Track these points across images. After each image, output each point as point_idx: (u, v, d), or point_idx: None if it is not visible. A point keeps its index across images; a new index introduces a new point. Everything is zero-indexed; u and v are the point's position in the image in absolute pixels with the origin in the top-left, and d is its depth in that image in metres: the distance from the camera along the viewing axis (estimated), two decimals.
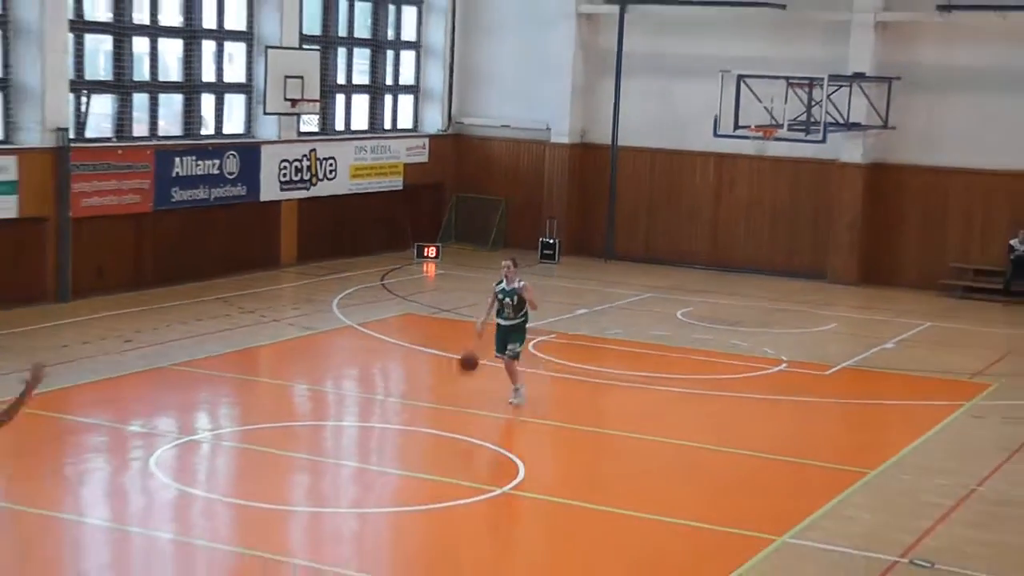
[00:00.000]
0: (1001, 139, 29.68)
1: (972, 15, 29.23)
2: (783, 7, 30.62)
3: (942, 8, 29.25)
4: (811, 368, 22.42)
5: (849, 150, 30.76)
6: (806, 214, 31.78)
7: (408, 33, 34.75)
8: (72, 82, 25.16)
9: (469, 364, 18.42)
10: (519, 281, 18.68)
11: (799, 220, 31.88)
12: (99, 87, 26.30)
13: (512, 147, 34.51)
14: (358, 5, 32.98)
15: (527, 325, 19.02)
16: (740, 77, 28.07)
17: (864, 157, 30.80)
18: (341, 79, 32.62)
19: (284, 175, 29.94)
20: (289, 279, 29.03)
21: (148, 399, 19.21)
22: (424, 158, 34.26)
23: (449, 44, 34.86)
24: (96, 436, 17.20)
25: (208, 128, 29.06)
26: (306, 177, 30.61)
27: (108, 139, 26.50)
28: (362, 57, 33.44)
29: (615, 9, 32.64)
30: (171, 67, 28.21)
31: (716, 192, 32.64)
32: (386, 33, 33.97)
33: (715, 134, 28.96)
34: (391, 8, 34.03)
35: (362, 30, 33.27)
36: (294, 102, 29.08)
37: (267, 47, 28.89)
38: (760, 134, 28.57)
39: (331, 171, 31.32)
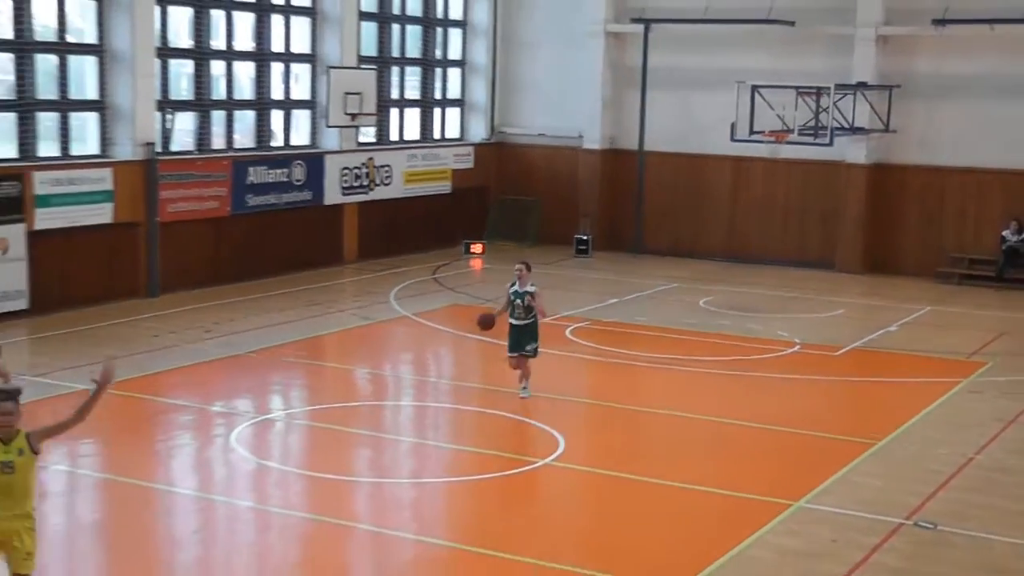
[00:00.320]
0: (992, 140, 29.46)
1: (965, 28, 29.01)
2: (792, 24, 30.49)
3: (937, 22, 29.07)
4: (822, 349, 22.33)
5: (854, 152, 30.61)
6: (815, 210, 31.64)
7: (454, 52, 34.77)
8: (158, 102, 25.28)
9: (486, 323, 18.22)
10: (531, 285, 18.04)
11: (809, 216, 31.76)
12: (182, 106, 26.41)
13: (548, 153, 34.47)
14: (409, 28, 33.03)
15: (538, 325, 18.27)
16: (754, 87, 28.02)
17: (867, 158, 30.65)
18: (395, 94, 32.67)
19: (345, 181, 30.02)
20: (350, 274, 29.10)
21: (228, 383, 19.32)
22: (470, 164, 34.28)
23: (491, 61, 34.87)
24: (183, 416, 17.31)
25: (278, 140, 29.16)
26: (365, 183, 30.68)
27: (190, 152, 26.62)
28: (413, 74, 33.48)
29: (640, 28, 32.59)
30: (244, 87, 28.31)
31: (733, 191, 32.55)
32: (435, 52, 34.00)
33: (732, 139, 28.92)
34: (439, 30, 34.07)
35: (413, 50, 33.32)
36: (353, 116, 29.15)
37: (329, 67, 28.97)
38: (773, 139, 28.50)
39: (387, 177, 31.38)
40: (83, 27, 24.65)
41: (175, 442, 16.39)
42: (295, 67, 29.48)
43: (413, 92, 33.50)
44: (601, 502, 14.58)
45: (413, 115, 33.52)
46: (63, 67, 24.09)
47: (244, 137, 28.36)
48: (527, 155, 34.77)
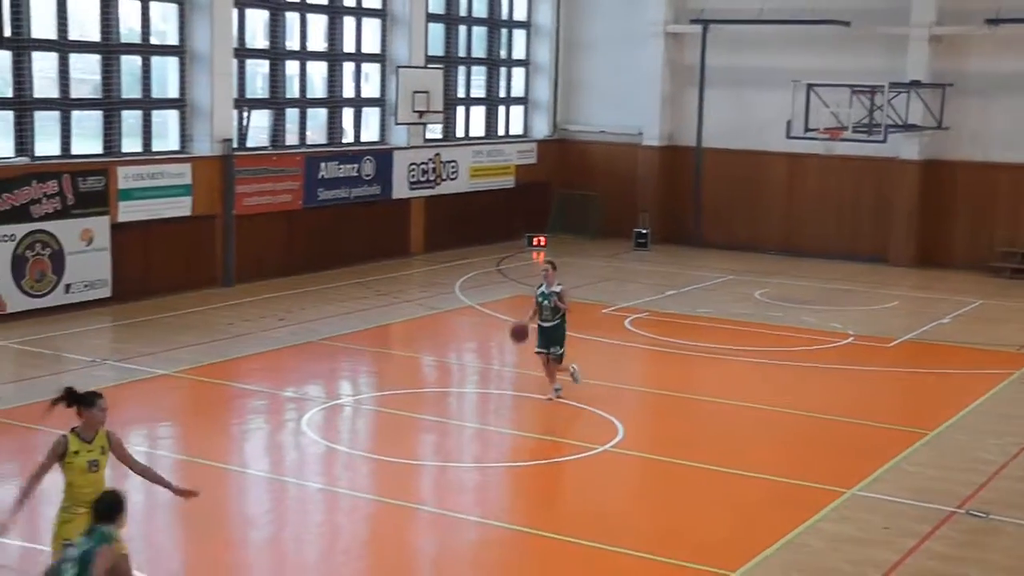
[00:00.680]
0: None
1: (1018, 27, 28.55)
2: (847, 24, 30.14)
3: (990, 22, 28.65)
4: (875, 341, 22.04)
5: (907, 148, 30.22)
6: (869, 205, 31.29)
7: (518, 52, 34.68)
8: (235, 100, 25.40)
9: (519, 335, 17.23)
10: (558, 285, 17.43)
11: (862, 210, 31.41)
12: (258, 104, 26.52)
13: (608, 149, 34.31)
14: (475, 29, 32.99)
15: (565, 327, 17.38)
16: (809, 86, 27.70)
17: (920, 154, 30.27)
18: (461, 93, 32.64)
19: (413, 176, 30.02)
20: (417, 266, 29.12)
21: (299, 369, 19.37)
22: (533, 160, 34.19)
23: (554, 61, 34.75)
24: (256, 400, 17.36)
25: (348, 137, 29.21)
26: (432, 178, 30.67)
27: (265, 148, 26.74)
28: (479, 73, 33.43)
29: (698, 28, 32.37)
30: (317, 85, 28.39)
31: (789, 187, 32.24)
32: (500, 52, 33.93)
33: (787, 136, 28.64)
34: (504, 31, 34.00)
35: (479, 50, 33.27)
36: (421, 113, 29.13)
37: (398, 67, 28.97)
38: (828, 136, 28.18)
39: (453, 172, 31.35)
40: (165, 29, 24.80)
41: (249, 426, 16.44)
42: (366, 66, 29.51)
43: (479, 90, 33.45)
44: (658, 488, 14.47)
45: (478, 113, 33.49)
46: (146, 67, 24.25)
47: (316, 134, 28.44)
48: (588, 151, 34.64)
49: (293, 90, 27.61)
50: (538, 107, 35.05)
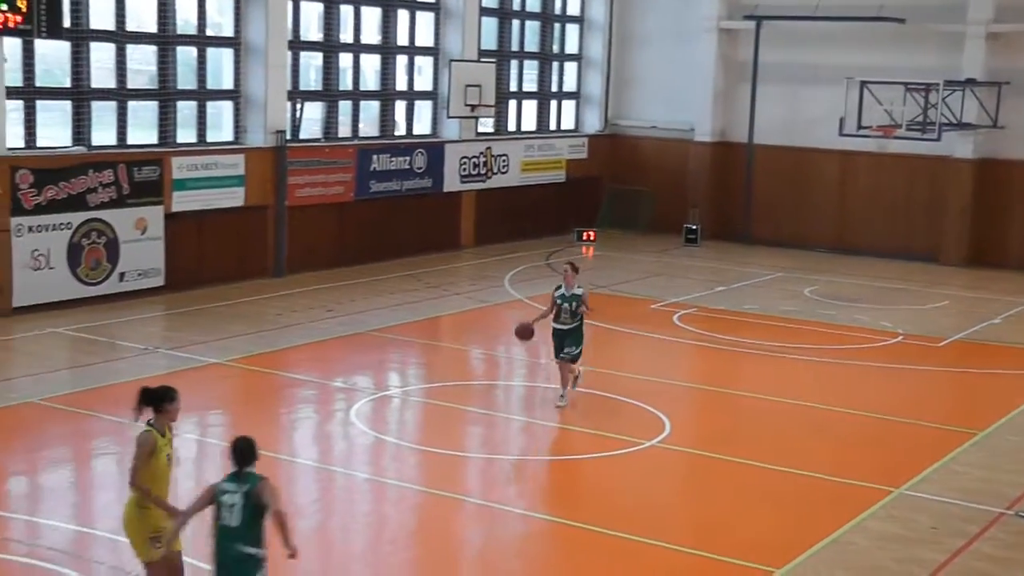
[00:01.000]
0: None
1: None
2: (903, 21, 29.87)
3: None
4: (925, 340, 21.86)
5: (961, 147, 29.92)
6: (921, 203, 31.02)
7: (571, 47, 34.63)
8: (289, 92, 25.54)
9: (524, 333, 16.54)
10: (578, 287, 16.55)
11: (914, 209, 31.14)
12: (311, 96, 26.66)
13: (660, 145, 34.21)
14: (528, 23, 32.98)
15: (583, 330, 16.76)
16: (863, 83, 27.45)
17: (974, 153, 29.97)
18: (513, 87, 32.65)
19: (464, 169, 30.07)
20: (467, 259, 29.17)
21: (348, 360, 19.46)
22: (584, 155, 34.15)
23: (606, 56, 34.68)
24: (306, 390, 17.46)
25: (400, 130, 29.30)
26: (483, 171, 30.70)
27: (317, 140, 26.86)
28: (531, 68, 33.42)
29: (752, 24, 32.21)
30: (370, 78, 28.49)
31: (840, 184, 32.02)
32: (552, 47, 33.90)
33: (840, 133, 28.39)
34: (557, 26, 33.97)
35: (532, 45, 33.26)
36: (473, 107, 29.17)
37: (451, 60, 29.02)
38: (881, 133, 27.93)
39: (504, 166, 31.37)
40: (221, 21, 24.97)
41: (298, 415, 16.54)
42: (418, 60, 29.59)
43: (531, 85, 33.44)
44: (704, 484, 14.43)
45: (530, 107, 33.48)
46: (202, 59, 24.42)
47: (369, 126, 28.54)
48: (639, 146, 34.55)
49: (346, 82, 27.73)
50: (590, 102, 34.99)
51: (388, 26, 28.42)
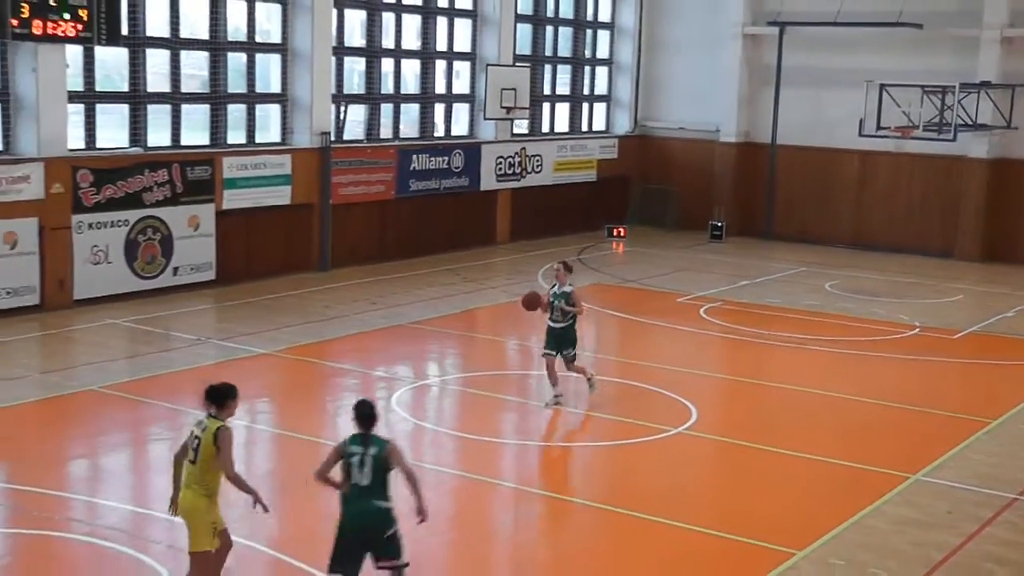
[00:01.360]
0: None
1: None
2: (920, 26, 29.64)
3: None
4: (941, 332, 21.72)
5: (976, 147, 29.69)
6: (937, 201, 30.80)
7: (602, 52, 34.56)
8: (333, 95, 25.59)
9: (530, 302, 15.97)
10: (569, 285, 16.04)
11: (931, 207, 30.92)
12: (354, 99, 26.71)
13: (687, 145, 34.10)
14: (561, 30, 32.92)
15: (575, 329, 16.24)
16: (882, 86, 27.29)
17: (989, 153, 29.74)
18: (547, 90, 32.61)
19: (500, 169, 30.06)
20: (502, 254, 29.16)
21: (389, 350, 19.50)
22: (614, 155, 34.07)
23: (635, 60, 34.58)
24: (349, 379, 17.52)
25: (439, 131, 29.32)
26: (517, 171, 30.68)
27: (360, 141, 26.91)
28: (564, 72, 33.36)
29: (775, 30, 32.06)
30: (410, 82, 28.52)
31: (860, 183, 31.82)
32: (584, 52, 33.84)
33: (860, 134, 28.26)
34: (588, 32, 33.90)
35: (564, 50, 33.20)
36: (508, 109, 29.16)
37: (487, 65, 29.01)
38: (899, 134, 27.76)
39: (538, 166, 31.34)
40: (269, 28, 25.04)
41: (341, 403, 16.55)
42: (456, 64, 29.59)
43: (563, 88, 33.39)
44: (729, 469, 14.39)
45: (563, 109, 33.44)
46: (251, 64, 24.51)
47: (409, 128, 28.57)
48: (667, 147, 34.45)
49: (388, 86, 27.76)
50: (620, 104, 34.91)
51: (427, 32, 28.44)
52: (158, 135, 22.81)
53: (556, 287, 16.07)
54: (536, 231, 30.94)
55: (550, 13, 32.32)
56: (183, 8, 22.97)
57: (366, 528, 9.26)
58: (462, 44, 29.50)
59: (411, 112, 28.62)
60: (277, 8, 24.81)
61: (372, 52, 27.13)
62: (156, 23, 22.55)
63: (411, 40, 28.32)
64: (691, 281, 26.01)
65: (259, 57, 24.76)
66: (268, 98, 24.97)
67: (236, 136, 24.29)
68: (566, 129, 33.46)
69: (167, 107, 22.97)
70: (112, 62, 22.20)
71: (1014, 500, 12.95)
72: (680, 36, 34.02)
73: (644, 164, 34.57)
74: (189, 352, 18.30)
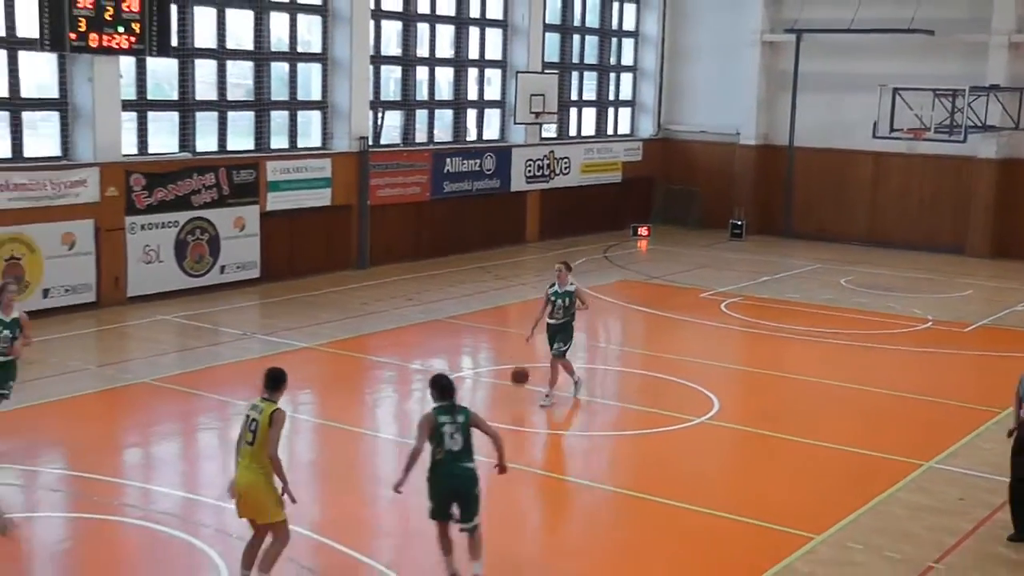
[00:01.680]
0: None
1: None
2: (932, 32, 29.44)
3: None
4: (953, 326, 21.56)
5: (985, 148, 29.45)
6: (948, 200, 30.58)
7: (627, 59, 34.46)
8: (371, 102, 25.63)
9: (520, 378, 15.14)
10: (571, 284, 15.78)
11: (942, 205, 30.69)
12: (390, 105, 26.74)
13: (708, 148, 33.98)
14: (588, 38, 32.85)
15: (573, 326, 15.95)
16: (895, 90, 27.13)
17: (998, 153, 29.49)
18: (574, 96, 32.55)
19: (529, 171, 30.04)
20: (532, 252, 29.13)
21: (425, 344, 19.51)
22: (638, 157, 33.98)
23: (659, 67, 34.48)
24: (387, 372, 17.55)
25: (472, 135, 29.32)
26: (546, 172, 30.65)
27: (397, 145, 26.94)
28: (591, 78, 33.30)
29: (792, 37, 31.89)
30: (444, 89, 28.52)
31: (874, 183, 31.63)
32: (609, 59, 33.76)
33: (873, 136, 28.07)
34: (614, 40, 33.81)
35: (591, 57, 33.13)
36: (537, 114, 29.12)
37: (517, 72, 28.98)
38: (911, 136, 27.58)
39: (566, 168, 31.30)
40: (310, 39, 25.09)
41: (379, 394, 16.63)
42: (488, 72, 29.58)
43: (590, 94, 33.32)
44: (750, 457, 14.33)
45: (589, 114, 33.37)
46: (293, 73, 24.58)
47: (443, 132, 28.58)
48: (689, 149, 34.34)
49: (422, 93, 27.78)
50: (644, 109, 34.82)
51: (460, 41, 28.45)
52: (206, 141, 22.91)
53: (556, 286, 15.75)
54: (564, 230, 30.91)
55: (577, 22, 32.26)
56: (229, 21, 23.06)
57: (459, 488, 9.86)
58: (493, 52, 29.48)
59: (445, 117, 28.63)
60: (318, 20, 24.87)
61: (408, 61, 27.15)
62: (204, 35, 22.64)
63: (445, 49, 28.32)
64: (713, 277, 25.92)
65: (301, 66, 24.82)
66: (309, 105, 25.03)
67: (279, 141, 24.36)
68: (593, 133, 33.40)
69: (214, 114, 23.06)
70: (163, 72, 22.30)
71: None
72: (701, 43, 33.89)
73: (667, 166, 34.47)
74: (235, 346, 18.38)
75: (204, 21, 22.60)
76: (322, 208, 24.64)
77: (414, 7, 26.93)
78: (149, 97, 21.92)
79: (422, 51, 27.55)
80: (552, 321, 15.82)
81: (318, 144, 25.16)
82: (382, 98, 26.48)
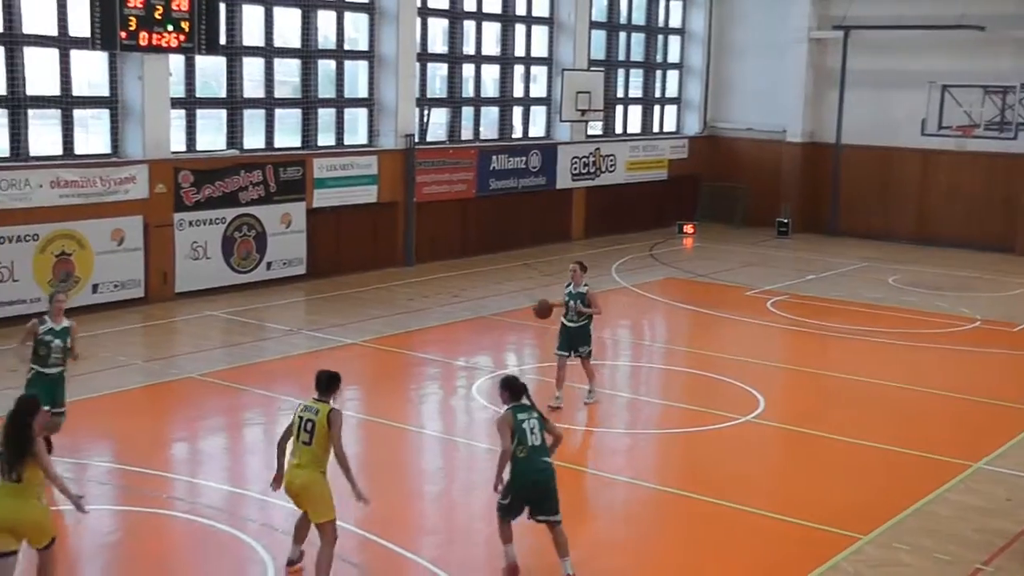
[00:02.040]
0: None
1: None
2: (982, 28, 29.07)
3: None
4: (1001, 325, 21.28)
5: None
6: (998, 198, 30.18)
7: (673, 56, 34.31)
8: (417, 99, 25.68)
9: (542, 310, 15.19)
10: (584, 285, 15.36)
11: (992, 203, 30.30)
12: (436, 103, 26.79)
13: (754, 145, 33.78)
14: (634, 35, 32.74)
15: (591, 328, 15.53)
16: (944, 86, 26.88)
17: None
18: (620, 93, 32.45)
19: (575, 168, 29.98)
20: (577, 249, 29.04)
21: (470, 341, 19.53)
22: (684, 154, 33.83)
23: (705, 64, 34.31)
24: (432, 368, 17.57)
25: (517, 132, 29.31)
26: (592, 170, 30.58)
27: (443, 142, 26.98)
28: (636, 76, 33.19)
29: (840, 34, 31.63)
30: (489, 86, 28.52)
31: (922, 180, 31.29)
32: (656, 56, 33.62)
33: (922, 133, 27.86)
34: (660, 37, 33.67)
35: (637, 54, 33.02)
36: (583, 112, 29.06)
37: (563, 69, 28.92)
38: (960, 133, 27.31)
39: (611, 165, 31.21)
40: (356, 37, 25.18)
41: (425, 391, 16.64)
42: (534, 69, 29.55)
43: (636, 91, 33.21)
44: (795, 456, 14.22)
45: (635, 111, 33.26)
46: (339, 70, 24.67)
47: (489, 129, 28.59)
48: (735, 147, 34.14)
49: (468, 90, 27.80)
50: (690, 106, 34.65)
51: (506, 39, 28.44)
52: (253, 138, 23.04)
53: (571, 287, 15.38)
54: (609, 228, 30.84)
55: (623, 19, 32.16)
56: (277, 19, 23.18)
57: (541, 483, 10.01)
58: (539, 50, 29.45)
59: (491, 115, 28.63)
60: (364, 18, 24.95)
61: (454, 58, 27.18)
62: (252, 33, 22.78)
63: (491, 46, 28.32)
64: (759, 275, 25.76)
65: (347, 64, 24.91)
66: (356, 102, 25.11)
67: (326, 138, 24.46)
68: (638, 130, 33.28)
69: (262, 112, 23.20)
70: (211, 70, 22.46)
71: None
72: (748, 40, 33.69)
73: (713, 163, 34.29)
74: (282, 342, 18.47)
75: (252, 19, 22.74)
76: (368, 205, 24.72)
77: (460, 5, 26.95)
78: (197, 95, 22.08)
79: (468, 48, 27.56)
80: (568, 323, 15.41)
81: (364, 141, 25.23)
82: (428, 95, 26.52)
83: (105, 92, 20.67)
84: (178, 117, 21.62)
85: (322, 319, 20.20)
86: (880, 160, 31.70)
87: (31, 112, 19.64)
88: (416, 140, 25.45)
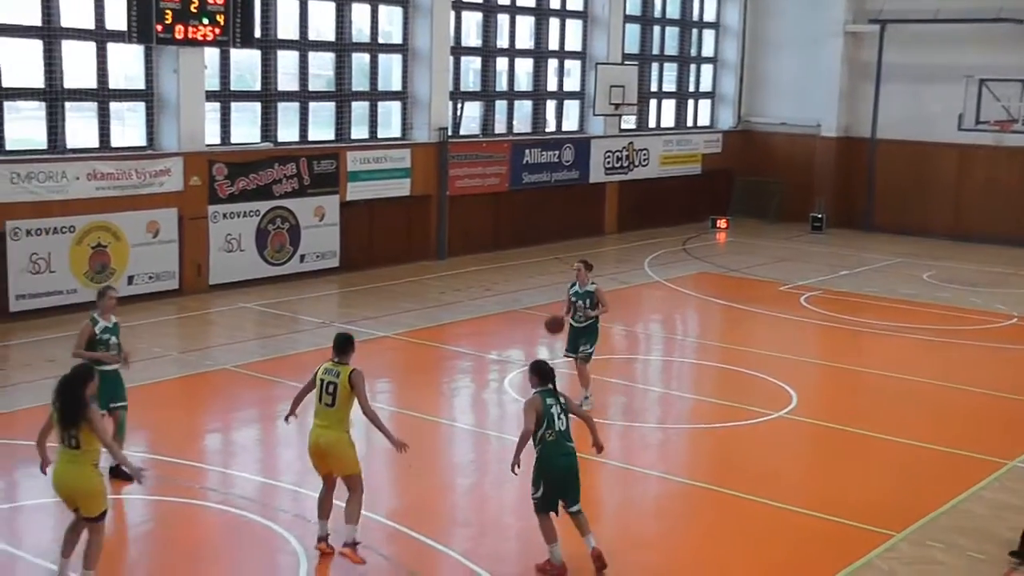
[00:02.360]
0: None
1: None
2: (1021, 22, 28.78)
3: None
4: None
5: None
6: None
7: (707, 50, 34.17)
8: (451, 93, 25.69)
9: (553, 326, 14.35)
10: (592, 284, 15.03)
11: None
12: (470, 96, 26.79)
13: (788, 140, 33.58)
14: (668, 29, 32.62)
15: (598, 327, 15.27)
16: (981, 81, 26.65)
17: None
18: (654, 87, 32.34)
19: (608, 162, 29.91)
20: (610, 244, 29.04)
21: (502, 334, 19.53)
22: (718, 149, 33.69)
23: (740, 58, 34.14)
24: (464, 362, 17.57)
25: (551, 126, 29.27)
26: (625, 164, 30.50)
27: (476, 136, 26.99)
28: (671, 69, 33.06)
29: (876, 28, 31.38)
30: (523, 80, 28.49)
31: (958, 176, 31.01)
32: (690, 50, 33.50)
33: (958, 128, 27.61)
34: (694, 31, 33.54)
35: (671, 48, 32.91)
36: (617, 106, 28.98)
37: (597, 63, 28.85)
38: (998, 128, 27.07)
39: (645, 159, 31.12)
40: (390, 30, 25.22)
41: (457, 384, 16.66)
42: (567, 63, 29.50)
43: (670, 85, 33.09)
44: (828, 453, 14.13)
45: (669, 105, 33.14)
46: (373, 64, 24.71)
47: (522, 123, 28.56)
48: (769, 141, 33.96)
49: (502, 84, 27.78)
50: (724, 100, 34.50)
51: (540, 32, 28.40)
52: (287, 131, 23.12)
53: (576, 286, 15.00)
54: (642, 222, 30.75)
55: (657, 13, 32.05)
56: (311, 12, 23.24)
57: (570, 466, 10.09)
58: (573, 43, 29.39)
59: (524, 108, 28.61)
60: (398, 11, 24.97)
61: (487, 52, 27.17)
62: (286, 26, 22.84)
63: (524, 40, 28.29)
64: (792, 271, 25.63)
65: (381, 57, 24.95)
66: (389, 96, 25.15)
67: (359, 132, 24.51)
68: (672, 124, 33.16)
69: (295, 105, 23.27)
70: (245, 63, 22.55)
71: None
72: (783, 34, 33.50)
73: (747, 158, 34.11)
74: (315, 334, 18.52)
75: (286, 13, 22.80)
76: (401, 198, 24.76)
77: None
78: (232, 88, 22.17)
79: (502, 42, 27.55)
80: (574, 323, 14.98)
81: (398, 135, 25.27)
82: (462, 89, 26.53)
83: (141, 85, 20.79)
84: (213, 110, 21.72)
85: (355, 312, 20.26)
86: (916, 155, 31.45)
87: (68, 105, 19.80)
88: (449, 133, 25.46)
